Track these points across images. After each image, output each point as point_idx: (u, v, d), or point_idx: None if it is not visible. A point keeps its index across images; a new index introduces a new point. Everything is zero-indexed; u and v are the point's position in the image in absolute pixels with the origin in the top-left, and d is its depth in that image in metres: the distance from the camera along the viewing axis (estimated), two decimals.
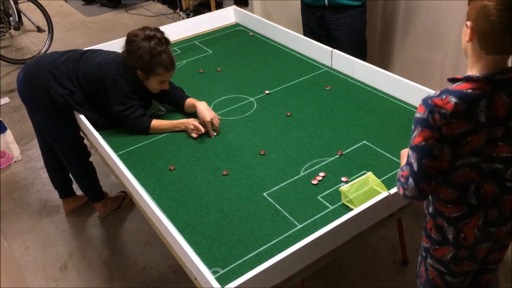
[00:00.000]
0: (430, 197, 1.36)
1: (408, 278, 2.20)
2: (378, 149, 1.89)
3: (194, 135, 2.05)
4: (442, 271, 1.42)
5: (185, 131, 2.10)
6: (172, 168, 1.90)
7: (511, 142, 1.24)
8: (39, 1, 4.65)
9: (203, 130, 2.04)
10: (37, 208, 2.86)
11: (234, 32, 3.04)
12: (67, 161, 2.44)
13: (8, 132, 3.38)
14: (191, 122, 2.07)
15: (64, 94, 2.14)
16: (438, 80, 2.99)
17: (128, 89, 2.07)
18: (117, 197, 2.75)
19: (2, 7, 4.73)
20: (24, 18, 5.21)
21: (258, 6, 4.18)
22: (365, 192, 1.61)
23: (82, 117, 2.15)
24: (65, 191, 2.71)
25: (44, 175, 3.10)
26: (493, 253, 1.44)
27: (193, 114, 2.20)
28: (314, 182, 1.74)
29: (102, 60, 2.13)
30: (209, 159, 1.93)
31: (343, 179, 1.74)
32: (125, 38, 2.07)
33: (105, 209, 2.68)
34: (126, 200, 2.74)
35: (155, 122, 2.11)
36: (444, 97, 1.18)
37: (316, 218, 1.59)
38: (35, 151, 3.33)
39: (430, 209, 1.38)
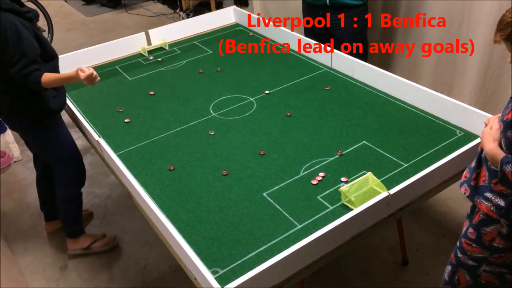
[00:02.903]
0: None
1: (408, 278, 2.20)
2: (378, 149, 1.88)
3: (84, 74, 1.92)
4: (502, 272, 1.44)
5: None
6: (172, 168, 1.90)
7: None
8: (39, 1, 4.65)
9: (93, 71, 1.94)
10: (37, 208, 2.85)
11: (234, 32, 3.04)
12: (61, 181, 2.32)
13: (8, 132, 3.38)
14: (87, 69, 1.94)
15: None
16: (431, 81, 2.99)
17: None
18: (91, 236, 2.49)
19: None
20: None
21: (258, 6, 4.18)
22: (365, 192, 1.61)
23: (80, 117, 2.15)
24: (48, 215, 2.62)
25: None
26: None
27: None
28: (314, 182, 1.74)
29: None
30: (209, 159, 1.93)
31: (343, 179, 1.74)
32: None
33: (75, 246, 2.46)
34: (98, 243, 2.46)
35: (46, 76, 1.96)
36: None
37: (316, 218, 1.59)
38: None
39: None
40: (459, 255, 1.51)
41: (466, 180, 1.48)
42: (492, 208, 1.37)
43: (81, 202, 2.43)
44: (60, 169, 2.29)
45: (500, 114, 1.41)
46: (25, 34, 1.91)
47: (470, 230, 1.46)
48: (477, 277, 1.48)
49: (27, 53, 1.91)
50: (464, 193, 1.46)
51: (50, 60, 2.09)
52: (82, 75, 1.92)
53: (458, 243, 1.53)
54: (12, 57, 1.89)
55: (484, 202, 1.38)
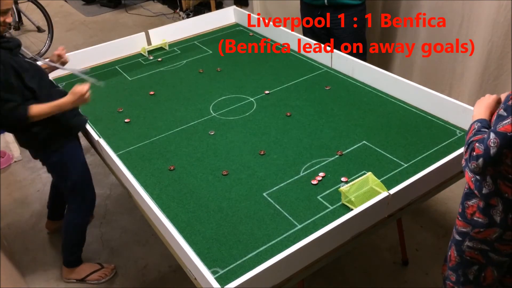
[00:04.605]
0: (489, 178, 1.35)
1: (408, 278, 2.20)
2: (378, 149, 1.89)
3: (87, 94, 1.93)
4: (485, 249, 1.44)
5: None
6: (172, 168, 1.90)
7: None
8: (39, 1, 4.65)
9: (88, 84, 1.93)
10: (37, 208, 2.86)
11: (234, 32, 3.04)
12: (70, 205, 2.26)
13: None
14: (78, 89, 1.90)
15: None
16: (431, 81, 2.99)
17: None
18: (89, 267, 2.39)
19: None
20: (24, 18, 5.21)
21: (258, 6, 4.18)
22: (365, 192, 1.61)
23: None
24: (53, 214, 2.62)
25: (44, 175, 3.11)
26: None
27: None
28: (314, 182, 1.74)
29: None
30: (209, 159, 1.93)
31: (343, 179, 1.74)
32: None
33: (70, 276, 2.37)
34: (94, 275, 2.35)
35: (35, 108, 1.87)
36: None
37: (316, 218, 1.59)
38: None
39: (485, 190, 1.37)
40: (454, 230, 1.53)
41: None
42: (472, 179, 1.39)
43: (85, 232, 2.33)
44: (68, 192, 2.22)
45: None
46: None
47: (460, 204, 1.49)
48: (462, 253, 1.49)
49: None
50: (462, 164, 1.48)
51: (45, 88, 1.97)
52: (72, 98, 1.89)
53: None
54: None
55: (469, 172, 1.40)
